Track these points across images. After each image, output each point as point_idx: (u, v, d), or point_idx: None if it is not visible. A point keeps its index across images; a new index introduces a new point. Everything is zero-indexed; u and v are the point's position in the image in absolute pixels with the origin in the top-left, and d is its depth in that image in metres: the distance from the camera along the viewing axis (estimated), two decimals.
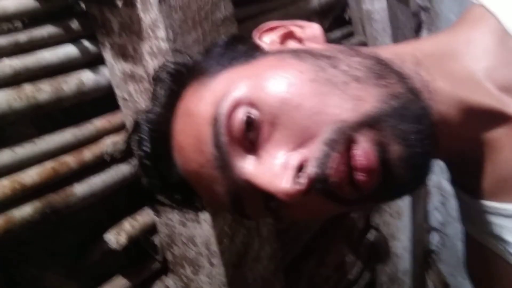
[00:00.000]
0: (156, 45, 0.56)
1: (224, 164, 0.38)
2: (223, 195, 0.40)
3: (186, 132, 0.41)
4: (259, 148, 0.38)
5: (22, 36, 0.53)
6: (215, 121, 0.38)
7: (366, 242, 1.28)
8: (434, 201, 1.57)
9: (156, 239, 0.68)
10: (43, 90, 0.52)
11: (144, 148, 0.42)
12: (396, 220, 1.31)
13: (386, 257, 1.34)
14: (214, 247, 0.65)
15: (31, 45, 0.53)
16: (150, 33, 0.55)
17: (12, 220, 0.49)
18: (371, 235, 1.30)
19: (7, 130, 0.52)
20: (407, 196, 0.95)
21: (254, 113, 0.37)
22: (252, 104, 0.38)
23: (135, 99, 0.59)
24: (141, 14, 0.55)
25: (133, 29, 0.56)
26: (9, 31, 0.53)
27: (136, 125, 0.44)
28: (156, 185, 0.44)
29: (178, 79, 0.44)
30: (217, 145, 0.38)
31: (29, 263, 0.55)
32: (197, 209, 0.48)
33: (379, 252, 1.32)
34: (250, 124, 0.37)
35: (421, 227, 1.48)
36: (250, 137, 0.38)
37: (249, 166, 0.38)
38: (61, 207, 0.53)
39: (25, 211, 0.50)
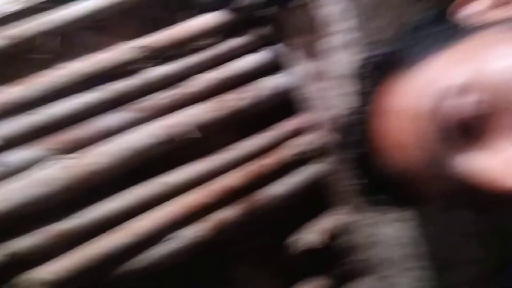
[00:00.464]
0: (341, 39, 0.54)
1: (445, 162, 0.34)
2: (443, 194, 0.36)
3: (396, 130, 0.37)
4: (490, 140, 0.33)
5: (216, 50, 0.56)
6: (430, 115, 0.34)
7: None
8: None
9: (350, 240, 0.66)
10: (241, 98, 0.55)
11: (354, 148, 0.40)
12: None
13: None
14: (417, 249, 0.60)
15: (225, 56, 0.56)
16: (334, 27, 0.53)
17: (221, 222, 0.53)
18: None
19: (211, 139, 0.56)
20: None
21: (478, 100, 0.32)
22: (473, 91, 0.32)
23: (324, 97, 0.58)
24: (323, 10, 0.53)
25: (315, 27, 0.55)
26: (204, 47, 0.57)
27: (342, 125, 0.42)
28: (367, 185, 0.42)
29: (378, 73, 0.41)
30: (438, 139, 0.34)
31: (239, 262, 0.58)
32: (405, 207, 0.44)
33: None
34: (474, 113, 0.32)
35: None
36: (475, 129, 0.33)
37: (479, 162, 0.33)
38: (262, 207, 0.55)
39: (230, 213, 0.53)
